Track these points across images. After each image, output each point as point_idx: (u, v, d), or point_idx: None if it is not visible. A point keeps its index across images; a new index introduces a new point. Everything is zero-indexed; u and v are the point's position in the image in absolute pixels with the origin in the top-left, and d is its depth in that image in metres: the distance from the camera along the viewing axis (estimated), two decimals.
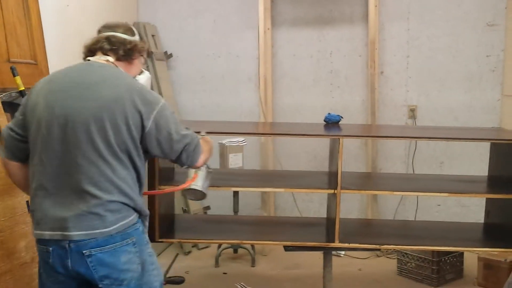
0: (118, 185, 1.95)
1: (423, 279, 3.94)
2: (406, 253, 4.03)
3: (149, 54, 4.67)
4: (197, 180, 2.47)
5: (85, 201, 1.92)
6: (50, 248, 1.95)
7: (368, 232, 3.68)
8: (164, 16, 4.97)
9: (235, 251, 4.50)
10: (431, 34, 4.66)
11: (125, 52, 2.10)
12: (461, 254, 4.00)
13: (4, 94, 2.80)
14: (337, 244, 3.14)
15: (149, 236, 3.13)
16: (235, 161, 4.35)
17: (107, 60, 2.07)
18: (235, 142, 4.34)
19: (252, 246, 4.37)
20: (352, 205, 4.87)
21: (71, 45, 3.78)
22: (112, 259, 1.94)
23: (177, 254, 4.41)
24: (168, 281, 3.74)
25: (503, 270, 3.66)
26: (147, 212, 2.11)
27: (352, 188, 3.30)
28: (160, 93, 4.69)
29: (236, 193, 4.31)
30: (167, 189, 3.00)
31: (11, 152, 2.06)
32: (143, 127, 1.97)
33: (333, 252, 4.00)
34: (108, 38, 2.10)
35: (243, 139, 4.37)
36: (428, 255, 3.88)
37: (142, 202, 2.06)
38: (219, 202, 4.89)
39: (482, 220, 3.62)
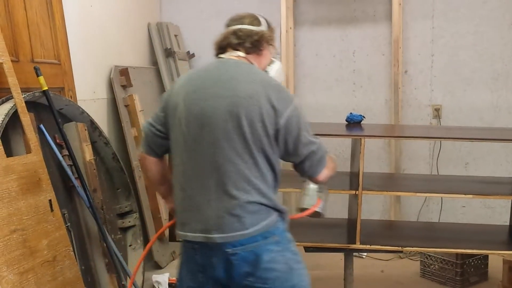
0: (255, 185, 1.92)
1: (446, 281, 3.87)
2: (429, 255, 3.96)
3: (172, 53, 4.69)
4: (321, 203, 2.42)
5: (224, 202, 1.91)
6: (195, 247, 1.98)
7: (390, 233, 3.64)
8: (187, 16, 4.98)
9: None
10: (456, 32, 4.57)
11: (253, 44, 2.07)
12: (485, 256, 3.91)
13: (27, 94, 2.84)
14: (358, 245, 3.10)
15: (170, 235, 3.18)
16: None
17: (238, 56, 2.05)
18: None
19: None
20: (375, 207, 4.81)
21: (94, 45, 3.84)
22: (256, 257, 1.92)
23: None
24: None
25: None
26: (286, 208, 2.06)
27: (374, 189, 3.26)
28: None
29: None
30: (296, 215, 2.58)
31: (150, 147, 2.10)
32: (276, 124, 1.93)
33: (355, 254, 3.97)
34: (235, 32, 2.08)
35: None
36: (452, 257, 3.81)
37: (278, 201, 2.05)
38: None
39: (507, 222, 3.54)
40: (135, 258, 3.68)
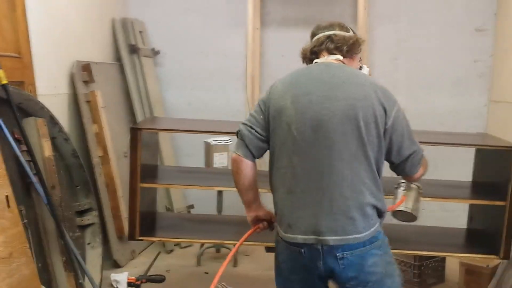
0: (369, 186, 1.96)
1: (404, 283, 3.89)
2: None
3: (136, 50, 4.63)
4: (407, 202, 2.39)
5: (339, 203, 1.93)
6: (302, 250, 1.98)
7: None
8: (153, 13, 4.92)
9: (218, 250, 4.47)
10: (420, 37, 4.66)
11: (349, 48, 2.11)
12: (443, 259, 3.99)
13: None
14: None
15: (129, 233, 3.13)
16: (220, 160, 4.32)
17: (337, 59, 2.09)
18: (220, 141, 4.32)
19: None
20: None
21: (56, 39, 3.75)
22: (361, 261, 1.96)
23: (159, 253, 4.38)
24: (149, 279, 3.70)
25: (485, 276, 3.66)
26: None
27: None
28: (146, 90, 4.65)
29: (220, 193, 4.28)
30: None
31: (249, 150, 2.08)
32: (385, 124, 1.98)
33: None
34: (329, 38, 2.11)
35: (229, 138, 4.35)
36: (410, 259, 3.87)
37: None
38: (203, 201, 4.84)
39: (465, 226, 3.62)
40: (93, 256, 3.61)
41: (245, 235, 2.31)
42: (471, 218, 3.53)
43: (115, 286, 3.67)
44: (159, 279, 3.64)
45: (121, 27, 4.68)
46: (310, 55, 2.15)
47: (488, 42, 4.61)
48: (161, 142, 4.59)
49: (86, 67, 4.00)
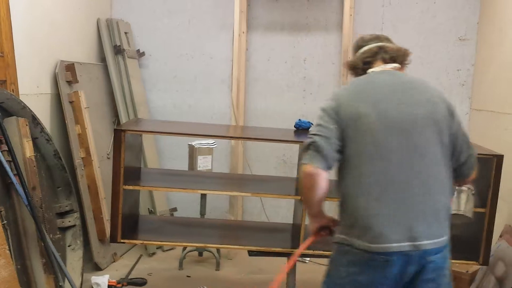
0: (449, 190, 2.04)
1: None
2: None
3: (121, 51, 4.60)
4: (460, 204, 2.41)
5: (430, 208, 1.97)
6: (393, 258, 1.94)
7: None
8: (138, 14, 4.91)
9: (200, 254, 4.46)
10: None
11: (402, 59, 2.19)
12: None
13: None
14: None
15: (111, 236, 3.11)
16: (204, 164, 4.31)
17: (395, 67, 2.14)
18: (205, 144, 4.31)
19: (218, 249, 4.33)
20: None
21: (40, 38, 3.72)
22: (442, 264, 2.01)
23: (140, 255, 4.35)
24: (130, 282, 3.68)
25: (464, 281, 3.70)
26: None
27: None
28: (131, 91, 4.63)
29: (203, 196, 4.27)
30: None
31: (327, 162, 1.98)
32: (451, 129, 2.05)
33: (299, 259, 4.00)
34: (383, 48, 2.16)
35: (213, 141, 4.34)
36: None
37: None
38: (186, 204, 4.84)
39: None
40: (74, 259, 3.58)
41: (306, 243, 2.25)
42: (451, 224, 3.56)
43: None
44: (141, 283, 3.62)
45: (106, 27, 4.65)
46: (362, 65, 2.16)
47: (470, 51, 4.68)
48: (144, 144, 4.57)
49: (70, 67, 3.97)
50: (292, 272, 3.25)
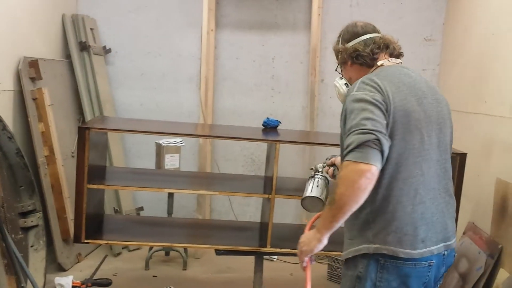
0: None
1: None
2: (336, 259, 4.08)
3: (87, 47, 4.52)
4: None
5: (451, 206, 1.99)
6: (434, 261, 1.89)
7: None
8: (104, 10, 4.82)
9: (167, 253, 4.41)
10: None
11: (400, 52, 2.14)
12: None
13: None
14: (268, 249, 3.13)
15: (74, 236, 3.05)
16: (171, 162, 4.27)
17: (401, 63, 2.08)
18: (172, 143, 4.27)
19: (185, 249, 4.30)
20: (288, 210, 4.89)
21: (2, 34, 3.61)
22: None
23: (105, 256, 4.29)
24: (95, 283, 3.61)
25: None
26: None
27: (287, 193, 3.31)
28: (96, 89, 4.55)
29: (171, 195, 4.22)
30: None
31: (383, 159, 1.77)
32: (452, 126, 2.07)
33: (266, 257, 4.00)
34: (387, 41, 2.09)
35: (181, 140, 4.30)
36: None
37: None
38: (153, 203, 4.79)
39: None
40: (36, 259, 3.49)
41: (309, 274, 2.03)
42: None
43: None
44: (106, 283, 3.57)
45: (72, 23, 4.56)
46: (372, 56, 2.04)
47: (436, 51, 4.77)
48: (110, 143, 4.50)
49: (33, 64, 3.88)
50: (259, 270, 3.25)
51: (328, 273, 4.19)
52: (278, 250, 3.18)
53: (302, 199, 2.24)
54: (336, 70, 2.24)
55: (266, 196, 3.17)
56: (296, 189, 3.70)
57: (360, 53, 2.04)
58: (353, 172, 1.71)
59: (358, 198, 1.73)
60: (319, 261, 4.51)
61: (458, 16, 4.45)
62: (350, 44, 2.08)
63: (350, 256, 1.90)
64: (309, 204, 2.25)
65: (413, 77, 1.98)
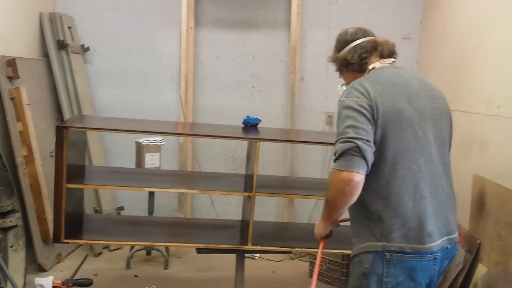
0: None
1: (333, 281, 4.02)
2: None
3: (65, 46, 4.47)
4: None
5: (452, 200, 2.02)
6: (439, 254, 1.93)
7: (282, 235, 3.71)
8: (83, 8, 4.77)
9: (148, 253, 4.39)
10: None
11: (393, 52, 2.16)
12: None
13: None
14: (250, 246, 3.14)
15: (54, 236, 3.02)
16: (152, 161, 4.25)
17: (393, 62, 2.12)
18: (152, 142, 4.25)
19: (166, 248, 4.28)
20: (269, 208, 4.90)
21: None
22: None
23: (86, 256, 4.25)
24: (75, 283, 3.58)
25: None
26: None
27: (268, 191, 3.32)
28: (75, 87, 4.50)
29: (151, 194, 4.21)
30: None
31: (368, 168, 1.83)
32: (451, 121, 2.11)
33: (248, 255, 4.01)
34: (377, 43, 2.11)
35: (161, 138, 4.29)
36: (339, 258, 3.97)
37: None
38: (134, 202, 4.77)
39: None
40: (16, 260, 3.45)
41: (321, 250, 2.22)
42: None
43: None
44: (86, 283, 3.54)
45: (49, 22, 4.51)
46: (360, 61, 2.08)
47: (414, 50, 4.82)
48: (89, 142, 4.47)
49: (10, 63, 3.83)
50: (240, 268, 3.25)
51: (309, 270, 4.21)
52: (259, 248, 3.18)
53: None
54: (339, 77, 2.29)
55: (247, 194, 3.17)
56: (276, 187, 3.72)
57: (349, 61, 2.11)
58: (338, 179, 1.82)
59: (345, 201, 1.86)
60: (301, 258, 4.54)
61: (435, 15, 4.51)
62: (341, 53, 2.15)
63: (356, 253, 1.97)
64: None
65: (404, 76, 2.03)
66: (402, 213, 1.88)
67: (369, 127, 1.85)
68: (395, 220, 1.88)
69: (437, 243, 1.91)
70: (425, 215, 1.90)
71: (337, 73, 2.24)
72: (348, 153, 1.80)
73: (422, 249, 1.88)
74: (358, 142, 1.80)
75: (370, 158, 1.83)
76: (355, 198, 1.84)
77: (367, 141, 1.82)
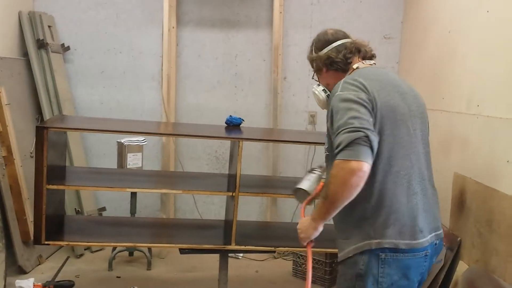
0: None
1: (316, 280, 4.03)
2: (301, 255, 4.11)
3: (45, 45, 4.41)
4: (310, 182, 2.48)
5: (435, 196, 2.04)
6: (429, 251, 1.95)
7: (265, 234, 3.72)
8: (62, 6, 4.71)
9: (131, 254, 4.36)
10: None
11: (372, 54, 2.21)
12: None
13: None
14: (233, 246, 3.13)
15: (34, 237, 2.98)
16: (134, 161, 4.22)
17: (374, 64, 2.16)
18: (134, 142, 4.21)
19: (149, 249, 4.25)
20: (252, 208, 4.90)
21: None
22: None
23: (68, 257, 4.21)
24: (57, 285, 3.55)
25: None
26: None
27: (251, 191, 3.31)
28: (55, 87, 4.45)
29: (134, 194, 4.18)
30: None
31: (373, 155, 1.81)
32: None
33: (232, 255, 4.01)
34: (358, 45, 2.15)
35: (144, 138, 4.26)
36: (322, 257, 3.99)
37: None
38: (116, 203, 4.73)
39: None
40: None
41: (310, 255, 2.15)
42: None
43: None
44: (68, 285, 3.52)
45: (28, 21, 4.45)
46: (345, 61, 2.11)
47: (395, 49, 4.86)
48: (70, 142, 4.41)
49: None
50: (224, 267, 3.24)
51: (293, 269, 4.22)
52: (243, 247, 3.18)
53: (294, 189, 2.43)
54: (312, 78, 2.32)
55: (230, 194, 3.16)
56: (260, 186, 3.72)
57: (333, 60, 2.13)
58: (345, 170, 1.77)
59: (350, 195, 1.81)
60: (284, 257, 4.55)
61: (416, 14, 4.55)
62: (323, 52, 2.16)
63: (350, 255, 1.94)
64: (298, 195, 2.45)
65: (391, 76, 2.09)
66: (397, 208, 1.90)
67: (371, 119, 1.85)
68: (390, 216, 1.89)
69: (427, 239, 1.94)
70: (417, 211, 1.93)
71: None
72: (355, 143, 1.77)
73: (416, 245, 1.90)
74: (367, 132, 1.79)
75: (376, 149, 1.82)
76: (358, 191, 1.80)
77: (373, 131, 1.82)
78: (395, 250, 1.89)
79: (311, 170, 2.56)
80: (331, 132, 1.92)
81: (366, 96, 1.89)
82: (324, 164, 2.61)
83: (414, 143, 1.96)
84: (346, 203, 1.84)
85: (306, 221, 2.05)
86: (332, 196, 1.83)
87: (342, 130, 1.81)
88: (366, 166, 1.76)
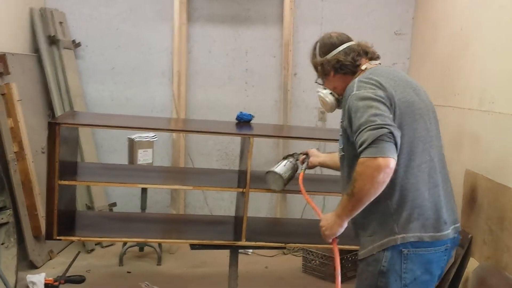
0: None
1: (326, 276, 4.03)
2: (311, 251, 4.11)
3: (56, 41, 4.43)
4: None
5: (452, 190, 2.05)
6: (449, 244, 1.98)
7: (275, 230, 3.72)
8: (73, 3, 4.73)
9: (141, 249, 4.38)
10: None
11: (377, 55, 2.23)
12: None
13: None
14: (243, 242, 3.14)
15: (46, 233, 3.00)
16: (144, 157, 4.24)
17: (378, 64, 2.17)
18: (145, 138, 4.23)
19: (159, 244, 4.27)
20: (262, 204, 4.91)
21: None
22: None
23: (78, 252, 4.22)
24: (68, 280, 3.56)
25: None
26: None
27: (261, 187, 3.31)
28: (66, 83, 4.47)
29: (144, 190, 4.19)
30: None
31: (397, 151, 1.83)
32: None
33: (242, 250, 4.01)
34: (364, 47, 2.19)
35: (154, 134, 4.27)
36: (332, 253, 3.97)
37: None
38: (126, 199, 4.75)
39: None
40: (7, 257, 3.43)
41: (337, 252, 2.13)
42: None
43: None
44: (79, 280, 3.52)
45: (40, 17, 4.47)
46: (354, 63, 2.13)
47: (406, 45, 4.83)
48: (81, 138, 4.44)
49: (1, 58, 3.80)
50: (234, 263, 3.25)
51: (302, 265, 4.22)
52: (253, 243, 3.18)
53: (266, 172, 2.50)
54: (316, 82, 2.33)
55: (241, 190, 3.16)
56: None
57: (342, 63, 2.13)
58: (371, 167, 1.79)
59: (377, 191, 1.83)
60: (294, 253, 4.55)
61: (427, 10, 4.51)
62: (330, 55, 2.16)
63: (374, 253, 1.95)
64: (270, 177, 2.55)
65: (401, 73, 2.12)
66: (420, 202, 1.92)
67: (391, 116, 1.88)
68: (414, 210, 1.91)
69: (449, 231, 1.97)
70: (440, 203, 1.97)
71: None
72: (380, 140, 1.78)
73: (439, 237, 1.93)
74: (391, 128, 1.81)
75: (399, 145, 1.84)
76: (383, 188, 1.83)
77: (392, 125, 1.84)
78: (418, 244, 1.90)
79: (285, 157, 2.76)
80: (351, 132, 1.92)
81: (384, 93, 1.91)
82: (300, 153, 2.86)
83: (431, 137, 1.99)
84: (372, 199, 1.86)
85: (330, 218, 2.05)
86: (359, 193, 1.84)
87: (364, 128, 1.82)
88: (392, 162, 1.79)
